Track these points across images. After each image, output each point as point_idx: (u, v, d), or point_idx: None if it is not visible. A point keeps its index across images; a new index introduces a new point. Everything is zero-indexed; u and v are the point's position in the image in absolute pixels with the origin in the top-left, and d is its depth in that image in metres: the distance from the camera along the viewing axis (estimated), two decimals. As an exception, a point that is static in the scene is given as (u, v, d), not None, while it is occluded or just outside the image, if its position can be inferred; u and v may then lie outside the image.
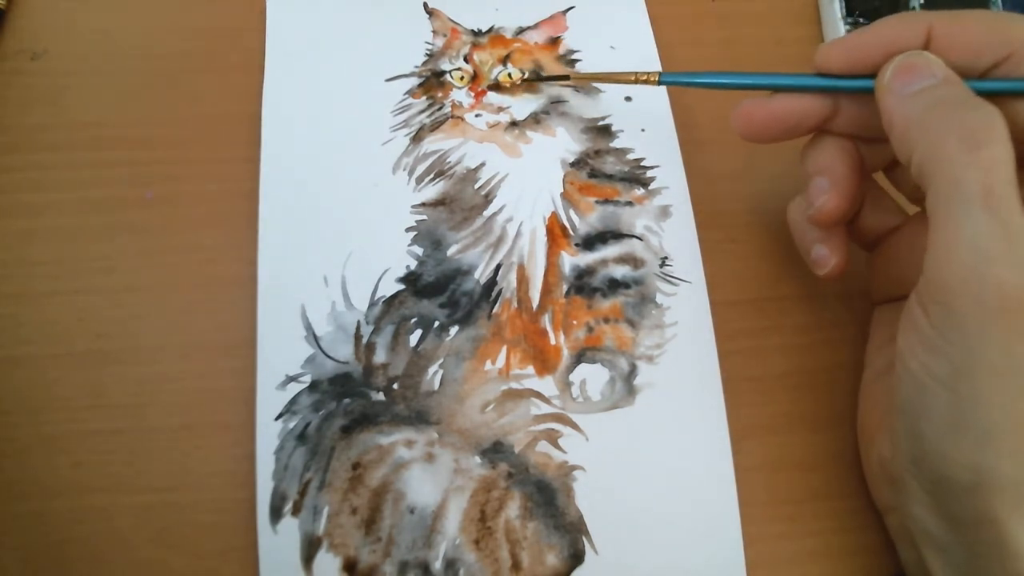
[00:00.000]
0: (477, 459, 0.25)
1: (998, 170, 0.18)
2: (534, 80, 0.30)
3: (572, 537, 0.24)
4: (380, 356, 0.26)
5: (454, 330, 0.26)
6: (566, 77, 0.30)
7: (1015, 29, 0.21)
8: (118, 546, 0.24)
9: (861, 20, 0.32)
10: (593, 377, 0.26)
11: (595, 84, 0.31)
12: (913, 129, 0.20)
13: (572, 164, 0.29)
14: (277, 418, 0.25)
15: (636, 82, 0.27)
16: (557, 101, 0.31)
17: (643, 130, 0.30)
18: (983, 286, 0.18)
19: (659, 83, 0.26)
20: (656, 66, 0.31)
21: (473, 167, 0.29)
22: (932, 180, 0.20)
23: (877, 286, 0.27)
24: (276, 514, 0.23)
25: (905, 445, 0.21)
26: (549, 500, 0.24)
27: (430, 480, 0.24)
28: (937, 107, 0.20)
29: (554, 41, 0.32)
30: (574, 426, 0.25)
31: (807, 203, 0.25)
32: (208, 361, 0.26)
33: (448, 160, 0.29)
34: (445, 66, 0.31)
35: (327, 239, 0.27)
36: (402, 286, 0.27)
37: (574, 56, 0.32)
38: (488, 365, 0.26)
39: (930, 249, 0.20)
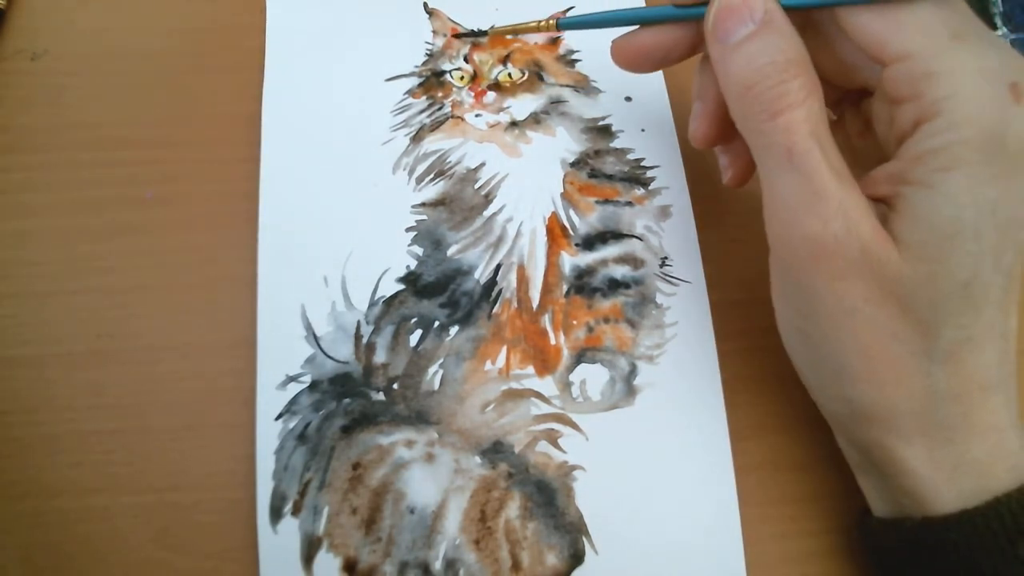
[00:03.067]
0: (477, 459, 0.25)
1: (798, 129, 0.19)
2: (464, 36, 0.31)
3: (572, 537, 0.24)
4: (380, 356, 0.26)
5: (454, 330, 0.26)
6: (484, 33, 0.30)
7: None
8: (118, 546, 0.24)
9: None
10: (593, 377, 0.26)
11: (592, 82, 0.31)
12: (729, 90, 0.21)
13: (572, 164, 0.29)
14: (277, 418, 0.25)
15: (539, 30, 0.27)
16: (557, 101, 0.31)
17: (643, 130, 0.30)
18: (797, 239, 0.20)
19: (558, 28, 0.26)
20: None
21: (473, 167, 0.29)
22: (749, 144, 0.21)
23: None
24: (276, 514, 0.23)
25: (806, 385, 0.23)
26: (549, 500, 0.24)
27: (430, 480, 0.24)
28: (748, 69, 0.20)
29: (554, 41, 0.32)
30: (574, 426, 0.25)
31: None
32: (208, 361, 0.26)
33: (448, 160, 0.29)
34: (445, 66, 0.31)
35: (327, 239, 0.27)
36: (402, 286, 0.27)
37: (574, 56, 0.32)
38: (488, 365, 0.26)
39: (764, 208, 0.21)
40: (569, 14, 0.26)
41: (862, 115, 0.24)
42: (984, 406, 0.20)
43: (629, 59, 0.26)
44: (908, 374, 0.19)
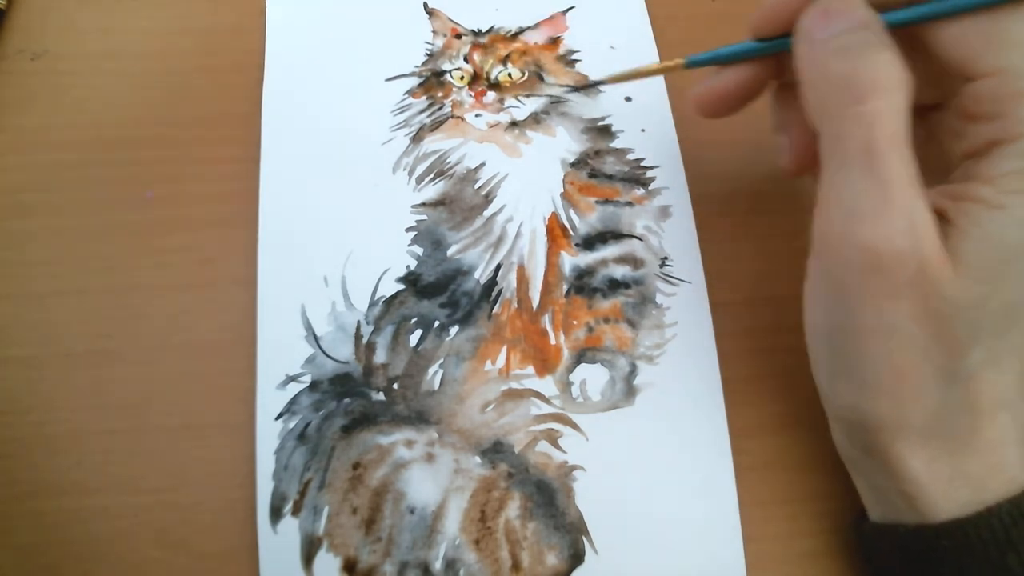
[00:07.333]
0: (477, 459, 0.25)
1: (881, 124, 0.18)
2: (569, 89, 0.30)
3: (572, 537, 0.24)
4: (380, 356, 0.26)
5: (454, 330, 0.26)
6: (602, 82, 0.28)
7: None
8: (118, 546, 0.24)
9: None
10: (593, 377, 0.26)
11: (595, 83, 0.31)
12: (810, 77, 0.19)
13: (572, 164, 0.29)
14: (277, 418, 0.25)
15: (664, 71, 0.26)
16: (557, 101, 0.31)
17: (643, 130, 0.30)
18: (853, 247, 0.18)
19: (687, 67, 0.25)
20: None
21: (473, 167, 0.29)
22: (820, 133, 0.19)
23: None
24: (276, 514, 0.23)
25: (815, 381, 0.23)
26: (549, 500, 0.24)
27: (430, 480, 0.24)
28: (836, 55, 0.19)
29: (554, 41, 0.32)
30: (574, 426, 0.25)
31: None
32: (208, 361, 0.26)
33: (448, 160, 0.29)
34: (445, 66, 0.31)
35: (327, 239, 0.27)
36: (402, 286, 0.27)
37: (574, 56, 0.32)
38: (488, 365, 0.26)
39: (817, 204, 0.19)
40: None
41: (926, 126, 0.23)
42: (993, 422, 0.19)
43: (714, 106, 0.24)
44: (927, 391, 0.19)
